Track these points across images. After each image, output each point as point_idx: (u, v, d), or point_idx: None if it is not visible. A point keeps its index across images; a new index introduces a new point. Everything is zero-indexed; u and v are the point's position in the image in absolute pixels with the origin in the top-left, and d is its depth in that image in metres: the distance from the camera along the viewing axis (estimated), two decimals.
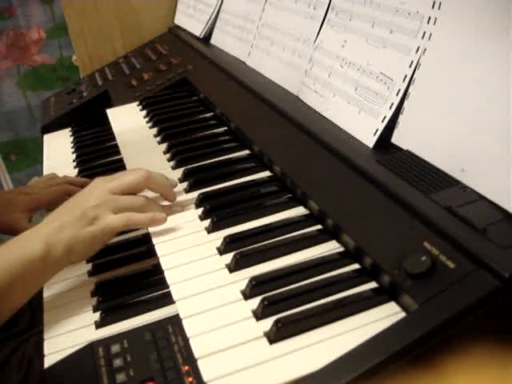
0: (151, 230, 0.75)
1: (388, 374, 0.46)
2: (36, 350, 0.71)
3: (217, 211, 0.75)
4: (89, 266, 0.76)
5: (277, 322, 0.54)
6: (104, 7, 1.55)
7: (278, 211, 0.74)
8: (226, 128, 1.02)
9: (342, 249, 0.65)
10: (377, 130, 0.74)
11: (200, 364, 0.52)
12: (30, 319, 0.84)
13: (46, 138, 1.30)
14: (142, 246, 0.77)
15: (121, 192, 0.74)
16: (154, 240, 0.73)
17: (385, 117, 0.73)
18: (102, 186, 0.75)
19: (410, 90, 0.71)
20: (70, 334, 0.64)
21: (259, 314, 0.57)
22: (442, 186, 0.61)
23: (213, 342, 0.55)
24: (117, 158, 1.08)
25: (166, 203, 0.79)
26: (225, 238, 0.69)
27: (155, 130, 1.07)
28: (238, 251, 0.66)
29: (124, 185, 0.75)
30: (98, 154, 1.13)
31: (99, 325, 0.64)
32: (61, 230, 0.68)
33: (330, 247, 0.66)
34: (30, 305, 0.87)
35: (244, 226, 0.72)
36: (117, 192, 0.74)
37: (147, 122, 1.12)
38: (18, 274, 0.64)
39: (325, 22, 0.91)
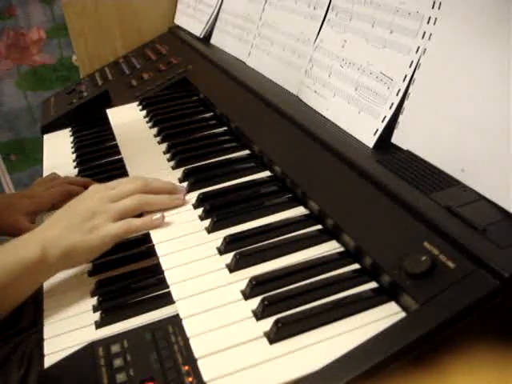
0: (151, 229, 0.75)
1: (388, 373, 0.46)
2: (37, 348, 0.71)
3: (217, 211, 0.75)
4: (89, 266, 0.76)
5: (277, 321, 0.54)
6: (104, 7, 1.55)
7: (277, 211, 0.74)
8: (225, 128, 1.02)
9: (342, 249, 0.65)
10: (377, 129, 0.74)
11: (200, 364, 0.52)
12: (34, 318, 0.84)
13: (46, 138, 1.30)
14: (142, 246, 0.77)
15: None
16: (154, 240, 0.73)
17: (385, 117, 0.73)
18: (101, 193, 0.75)
19: (409, 90, 0.71)
20: (70, 334, 0.64)
21: (259, 314, 0.57)
22: (442, 186, 0.61)
23: (213, 341, 0.55)
24: (117, 158, 1.08)
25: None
26: (225, 238, 0.69)
27: (155, 129, 1.07)
28: (238, 251, 0.66)
29: (124, 194, 0.75)
30: (98, 154, 1.13)
31: (99, 325, 0.64)
32: (59, 236, 0.69)
33: (330, 247, 0.66)
34: (34, 303, 0.88)
35: (244, 226, 0.72)
36: (116, 201, 0.75)
37: (147, 122, 1.12)
38: (15, 275, 0.66)
39: (325, 22, 0.91)
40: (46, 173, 1.10)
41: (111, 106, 1.27)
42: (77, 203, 0.75)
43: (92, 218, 0.71)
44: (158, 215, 0.75)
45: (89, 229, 0.70)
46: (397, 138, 0.72)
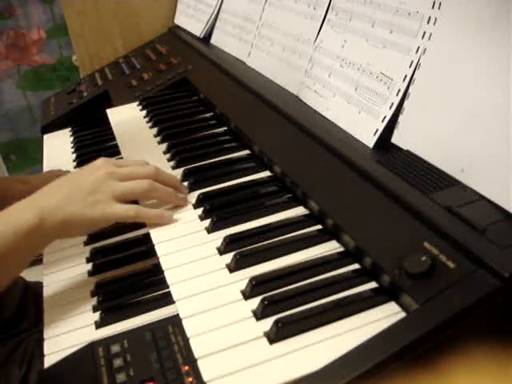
0: (151, 229, 0.75)
1: (388, 373, 0.46)
2: (38, 347, 0.71)
3: (217, 211, 0.75)
4: (89, 266, 0.76)
5: (277, 322, 0.54)
6: (104, 7, 1.55)
7: (278, 211, 0.74)
8: (225, 128, 1.02)
9: (341, 249, 0.65)
10: (377, 129, 0.74)
11: (200, 364, 0.52)
12: (35, 318, 0.84)
13: (46, 138, 1.30)
14: (142, 246, 0.77)
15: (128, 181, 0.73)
16: (154, 240, 0.73)
17: (385, 117, 0.73)
18: (110, 169, 0.72)
19: (409, 90, 0.71)
20: (70, 334, 0.64)
21: (259, 314, 0.57)
22: (441, 186, 0.61)
23: (213, 341, 0.55)
24: (117, 158, 1.08)
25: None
26: (225, 238, 0.69)
27: (155, 130, 1.07)
28: (238, 251, 0.66)
29: (134, 175, 0.74)
30: (98, 154, 1.12)
31: (99, 325, 0.64)
32: (58, 206, 0.66)
33: (330, 247, 0.66)
34: (35, 304, 0.87)
35: (244, 226, 0.72)
36: (124, 180, 0.73)
37: (147, 122, 1.12)
38: (13, 245, 0.64)
39: (325, 22, 0.91)
40: None
41: (111, 106, 1.27)
42: (82, 174, 0.72)
43: (95, 191, 0.69)
44: (170, 212, 0.73)
45: (91, 203, 0.68)
46: (397, 138, 0.72)
